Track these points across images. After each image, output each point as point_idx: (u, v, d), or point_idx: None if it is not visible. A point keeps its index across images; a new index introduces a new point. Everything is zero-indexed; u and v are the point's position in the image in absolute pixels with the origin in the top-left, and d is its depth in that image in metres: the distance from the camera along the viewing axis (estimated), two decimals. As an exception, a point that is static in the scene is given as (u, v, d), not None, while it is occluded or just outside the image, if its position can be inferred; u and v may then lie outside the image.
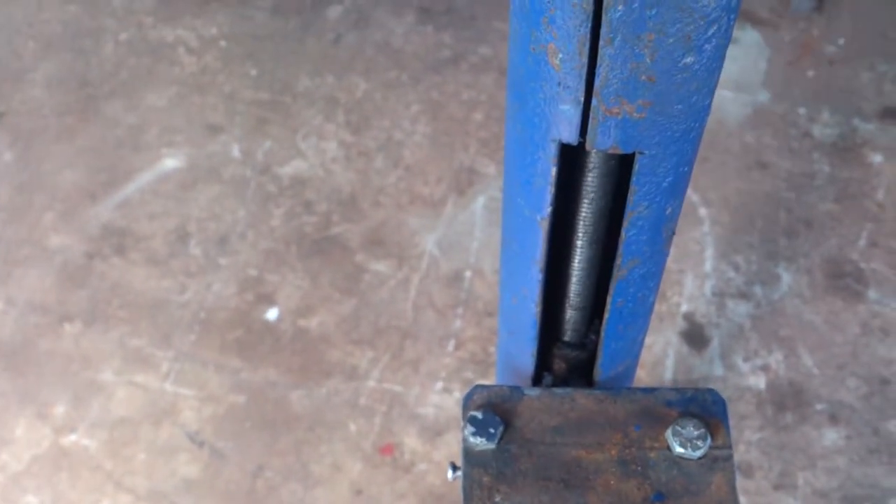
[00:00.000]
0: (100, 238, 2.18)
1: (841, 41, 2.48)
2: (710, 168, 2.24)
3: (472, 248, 2.14)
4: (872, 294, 2.04)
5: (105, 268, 2.13)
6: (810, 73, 2.41)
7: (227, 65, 2.49)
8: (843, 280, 2.06)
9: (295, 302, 2.06)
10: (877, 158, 2.25)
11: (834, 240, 2.12)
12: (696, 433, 0.90)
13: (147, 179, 2.28)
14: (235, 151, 2.32)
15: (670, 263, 2.09)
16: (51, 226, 2.21)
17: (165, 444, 1.89)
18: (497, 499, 0.88)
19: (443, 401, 1.93)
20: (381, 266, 2.12)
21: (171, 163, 2.31)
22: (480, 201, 2.21)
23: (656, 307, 2.02)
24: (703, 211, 2.17)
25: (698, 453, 0.90)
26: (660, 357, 1.98)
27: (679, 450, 0.90)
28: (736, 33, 2.48)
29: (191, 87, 2.45)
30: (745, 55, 2.45)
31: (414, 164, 2.28)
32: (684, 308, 2.04)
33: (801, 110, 2.34)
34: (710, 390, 0.93)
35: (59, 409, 1.94)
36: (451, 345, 2.00)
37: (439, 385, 1.95)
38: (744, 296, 2.05)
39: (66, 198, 2.25)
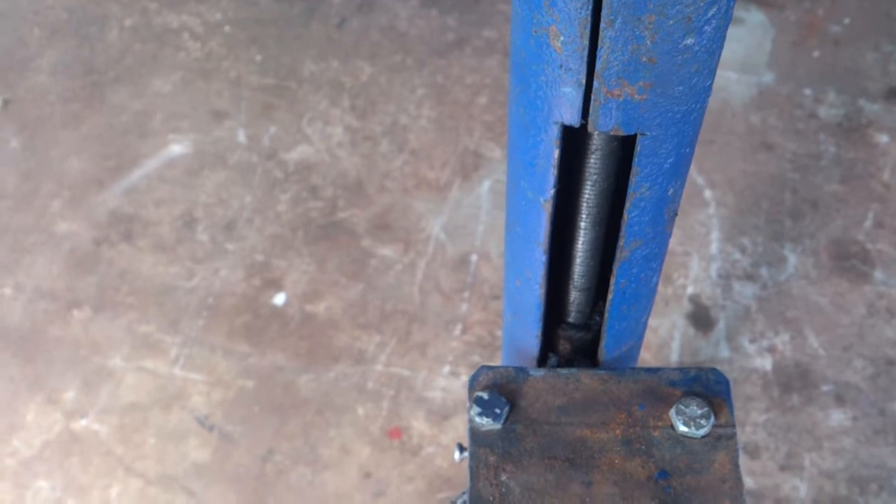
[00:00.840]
0: (107, 224, 2.19)
1: (846, 21, 2.47)
2: (716, 150, 2.24)
3: (478, 231, 2.14)
4: (879, 275, 2.04)
5: (113, 254, 2.14)
6: (816, 54, 2.41)
7: (232, 50, 2.49)
8: (849, 261, 2.06)
9: (302, 287, 2.07)
10: (883, 139, 2.25)
11: (840, 221, 2.12)
12: (699, 412, 0.91)
13: (153, 166, 2.29)
14: (241, 137, 2.33)
15: (676, 246, 2.09)
16: (58, 213, 2.21)
17: (175, 429, 1.90)
18: (503, 477, 0.89)
19: (450, 384, 1.94)
20: (387, 251, 2.12)
21: (177, 149, 2.31)
22: (486, 185, 2.21)
23: (662, 290, 2.03)
24: (708, 193, 2.17)
25: (702, 432, 0.91)
26: (666, 339, 1.98)
27: (683, 428, 0.91)
28: (741, 14, 2.47)
29: (196, 73, 2.45)
30: (751, 36, 2.44)
31: (419, 149, 2.28)
32: (690, 290, 2.04)
33: (807, 91, 2.33)
34: (714, 370, 0.94)
35: (70, 395, 1.95)
36: (457, 328, 2.01)
37: (446, 369, 1.96)
38: (750, 277, 2.05)
39: (73, 185, 2.26)
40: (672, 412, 0.92)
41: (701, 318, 2.01)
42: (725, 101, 2.32)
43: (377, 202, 2.20)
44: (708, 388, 0.93)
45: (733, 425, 0.91)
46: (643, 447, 0.90)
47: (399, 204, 2.19)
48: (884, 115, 2.29)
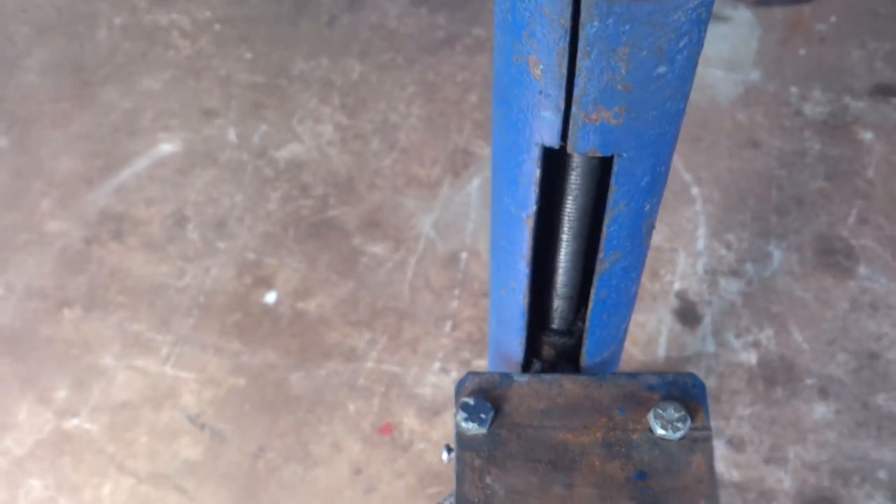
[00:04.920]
0: (97, 223, 2.20)
1: (832, 19, 2.49)
2: (703, 147, 2.26)
3: (468, 229, 2.16)
4: (862, 270, 2.07)
5: (103, 253, 2.15)
6: (802, 52, 2.43)
7: (222, 48, 2.50)
8: (834, 257, 2.09)
9: (293, 285, 2.09)
10: (867, 136, 2.27)
11: (824, 217, 2.14)
12: (676, 415, 0.95)
13: (143, 164, 2.30)
14: (231, 135, 2.34)
15: (663, 242, 2.12)
16: (48, 212, 2.22)
17: (166, 427, 1.92)
18: (488, 480, 0.92)
19: (440, 381, 1.96)
20: (378, 248, 2.14)
21: (167, 147, 2.32)
22: (476, 183, 2.23)
23: (650, 286, 2.05)
24: (695, 190, 2.20)
25: (679, 434, 0.94)
26: (653, 335, 2.01)
27: (660, 431, 0.95)
28: (728, 12, 2.49)
29: (186, 71, 2.46)
30: (737, 34, 2.46)
31: (409, 147, 2.30)
32: (677, 286, 2.07)
33: (793, 88, 2.36)
34: (691, 374, 0.97)
35: (61, 394, 1.96)
36: (448, 325, 2.02)
37: (437, 365, 1.98)
38: (735, 273, 2.08)
39: (62, 183, 2.27)
40: (650, 416, 0.95)
41: (688, 314, 2.03)
42: (713, 99, 2.34)
43: (368, 200, 2.21)
44: (685, 392, 0.97)
45: (709, 428, 0.95)
46: (623, 450, 0.93)
47: (389, 202, 2.21)
48: (868, 112, 2.31)
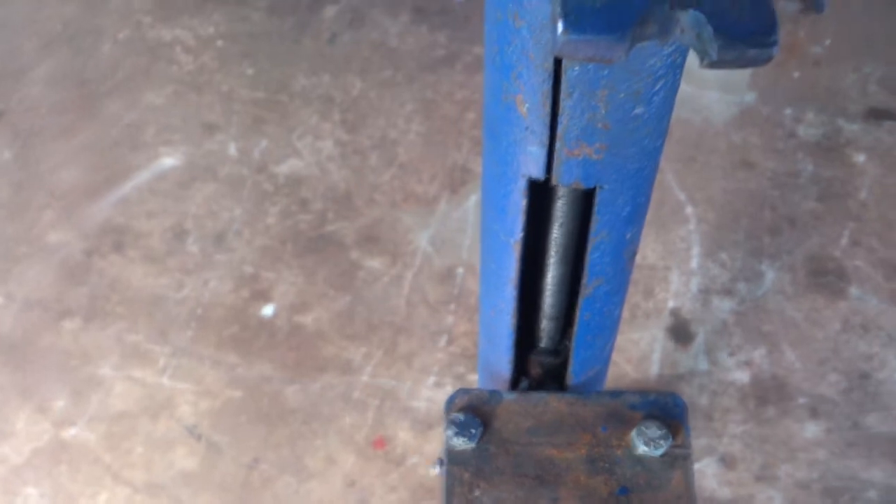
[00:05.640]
0: (98, 236, 2.22)
1: (827, 42, 2.52)
2: (697, 167, 2.29)
3: (465, 244, 2.19)
4: (854, 291, 2.09)
5: (104, 265, 2.18)
6: (796, 74, 2.46)
7: (224, 64, 2.54)
8: (826, 277, 2.11)
9: (290, 298, 2.11)
10: (860, 158, 2.30)
11: (816, 238, 2.17)
12: (658, 433, 0.98)
13: (145, 178, 2.32)
14: (232, 150, 2.37)
15: (657, 261, 2.14)
16: (50, 223, 2.25)
17: (163, 438, 1.93)
18: (476, 493, 0.95)
19: (435, 395, 1.98)
20: (375, 263, 2.16)
21: (168, 161, 2.35)
22: (473, 199, 2.26)
23: (644, 304, 2.07)
24: (689, 209, 2.22)
25: (660, 451, 0.98)
26: (647, 352, 2.03)
27: (643, 448, 0.98)
28: (724, 34, 2.52)
29: (188, 86, 2.49)
30: (733, 56, 2.49)
31: (408, 163, 2.33)
32: (671, 304, 2.09)
33: (787, 111, 2.39)
34: (672, 394, 1.01)
35: (59, 404, 1.98)
36: (443, 340, 2.04)
37: (431, 380, 2.00)
38: (728, 292, 2.10)
39: (64, 196, 2.29)
40: (633, 433, 0.99)
41: (681, 332, 2.05)
42: (707, 120, 2.37)
43: (366, 215, 2.24)
44: (666, 411, 1.00)
45: (689, 446, 0.98)
46: (606, 465, 0.97)
47: (387, 217, 2.23)
48: (862, 135, 2.34)
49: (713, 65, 0.55)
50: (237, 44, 2.58)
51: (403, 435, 1.93)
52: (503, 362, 1.10)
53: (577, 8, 0.55)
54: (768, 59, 0.56)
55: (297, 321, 2.08)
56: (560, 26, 0.55)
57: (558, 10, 0.55)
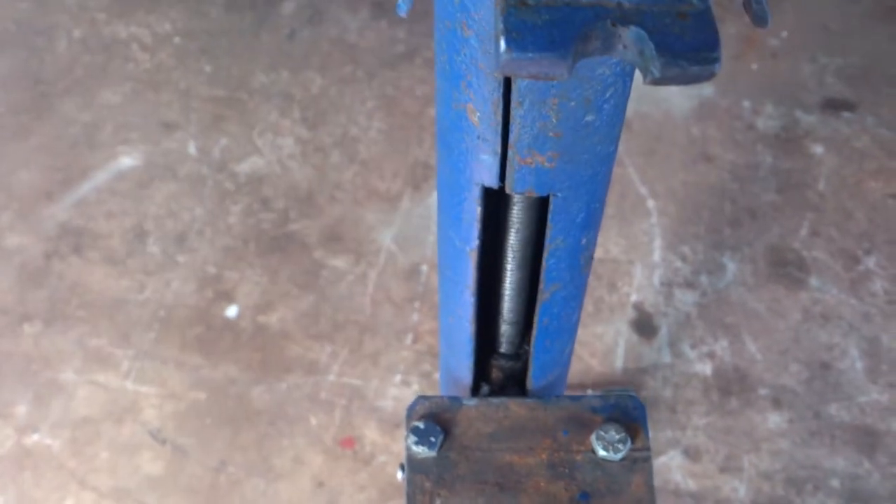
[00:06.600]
0: (57, 237, 2.19)
1: (784, 34, 2.55)
2: (658, 161, 2.30)
3: (429, 241, 2.18)
4: (814, 281, 2.12)
5: (63, 267, 2.15)
6: (754, 66, 2.48)
7: (182, 61, 2.51)
8: (786, 268, 2.14)
9: (254, 299, 2.09)
10: (818, 149, 2.33)
11: (776, 229, 2.19)
12: (617, 437, 0.98)
13: (103, 178, 2.29)
14: (192, 149, 2.34)
15: (620, 255, 2.15)
16: (7, 226, 2.21)
17: (128, 442, 1.92)
18: (437, 502, 0.95)
19: (401, 393, 1.98)
20: (338, 261, 2.15)
21: (127, 161, 2.32)
22: (435, 196, 2.25)
23: (607, 298, 2.08)
24: (650, 203, 2.24)
25: (619, 455, 0.98)
26: (611, 346, 2.04)
27: (602, 453, 0.99)
28: (683, 27, 2.53)
29: (146, 84, 2.46)
30: (692, 48, 2.51)
31: (370, 160, 2.32)
32: (634, 298, 2.10)
33: (746, 103, 2.41)
34: (632, 396, 1.01)
35: (21, 409, 1.95)
36: (408, 338, 2.04)
37: (398, 378, 2.00)
38: (690, 285, 2.12)
39: (22, 197, 2.26)
40: (593, 437, 0.99)
41: (644, 325, 2.07)
42: (667, 113, 2.38)
43: (328, 213, 2.23)
44: (626, 414, 1.01)
45: (648, 449, 0.98)
46: (566, 471, 0.97)
47: (350, 215, 2.22)
48: (819, 126, 2.37)
49: (656, 81, 0.55)
50: (195, 40, 2.55)
51: (371, 434, 1.93)
52: (464, 368, 1.11)
53: (519, 25, 0.55)
54: (711, 76, 0.56)
55: (261, 321, 2.06)
56: (502, 44, 0.54)
57: (500, 27, 0.55)
